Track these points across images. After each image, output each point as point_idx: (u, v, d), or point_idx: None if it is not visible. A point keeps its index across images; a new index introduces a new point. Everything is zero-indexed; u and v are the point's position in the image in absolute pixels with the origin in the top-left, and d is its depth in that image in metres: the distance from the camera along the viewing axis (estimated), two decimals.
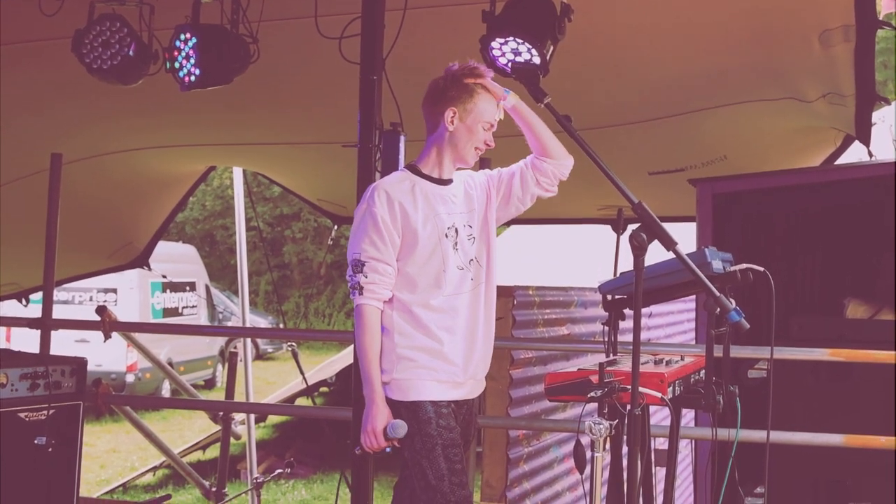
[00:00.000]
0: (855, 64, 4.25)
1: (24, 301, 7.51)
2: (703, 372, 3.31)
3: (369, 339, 3.14)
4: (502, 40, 3.60)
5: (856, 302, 5.21)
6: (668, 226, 2.86)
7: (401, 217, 3.16)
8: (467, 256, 3.25)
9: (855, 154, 5.88)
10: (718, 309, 2.83)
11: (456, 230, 3.24)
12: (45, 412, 4.50)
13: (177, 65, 4.10)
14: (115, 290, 14.16)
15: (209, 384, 16.81)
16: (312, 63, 4.75)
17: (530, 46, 3.57)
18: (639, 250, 2.82)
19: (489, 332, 3.31)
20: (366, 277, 3.13)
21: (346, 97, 4.24)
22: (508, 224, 11.08)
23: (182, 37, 4.07)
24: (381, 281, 3.15)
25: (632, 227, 2.86)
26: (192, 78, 4.08)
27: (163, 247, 9.10)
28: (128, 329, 6.35)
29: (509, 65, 3.59)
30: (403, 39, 3.95)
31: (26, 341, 6.16)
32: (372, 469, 3.95)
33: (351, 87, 4.04)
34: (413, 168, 3.31)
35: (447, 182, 3.30)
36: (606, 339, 3.45)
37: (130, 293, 14.31)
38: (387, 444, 3.12)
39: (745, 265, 3.12)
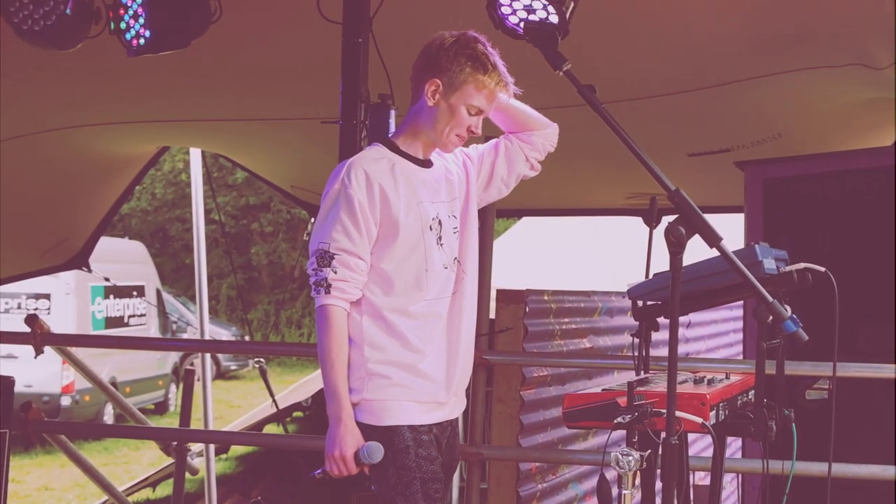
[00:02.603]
0: None
1: None
2: (752, 393, 3.32)
3: (336, 346, 3.11)
4: None
5: None
6: (711, 217, 2.87)
7: (380, 203, 3.11)
8: (452, 254, 3.23)
9: None
10: (771, 317, 2.84)
11: (440, 222, 3.21)
12: None
13: (123, 25, 4.10)
14: (48, 296, 14.16)
15: (161, 408, 16.83)
16: (285, 24, 4.75)
17: (547, 2, 3.57)
18: (676, 247, 2.82)
19: (470, 343, 3.31)
20: (335, 273, 3.10)
21: (326, 64, 4.24)
22: (519, 216, 11.11)
23: None
24: (353, 278, 3.12)
25: (667, 220, 2.86)
26: (142, 41, 4.08)
27: (105, 244, 9.08)
28: (63, 342, 6.35)
29: (521, 24, 3.58)
30: None
31: None
32: None
33: (331, 52, 4.04)
34: (390, 144, 3.25)
35: (428, 164, 3.27)
36: (636, 353, 3.46)
37: (66, 299, 14.32)
38: (358, 469, 3.10)
39: (802, 265, 3.13)
